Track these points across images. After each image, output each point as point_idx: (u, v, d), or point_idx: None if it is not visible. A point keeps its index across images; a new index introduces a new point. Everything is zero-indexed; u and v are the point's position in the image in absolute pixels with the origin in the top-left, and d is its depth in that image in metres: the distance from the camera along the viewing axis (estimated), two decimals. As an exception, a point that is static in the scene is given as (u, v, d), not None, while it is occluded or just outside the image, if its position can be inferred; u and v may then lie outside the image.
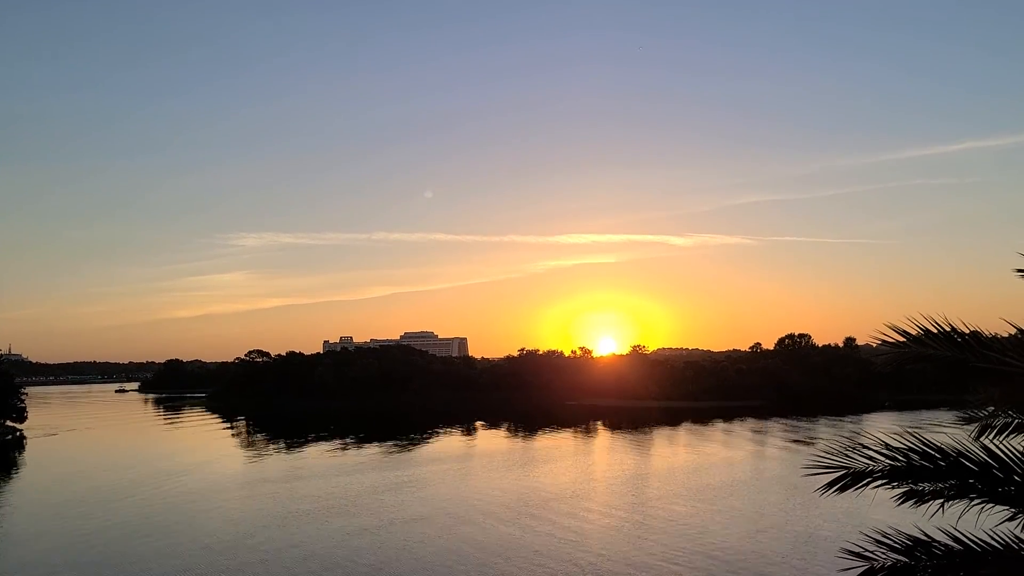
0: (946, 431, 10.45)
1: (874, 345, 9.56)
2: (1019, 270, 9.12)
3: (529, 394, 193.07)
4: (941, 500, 9.30)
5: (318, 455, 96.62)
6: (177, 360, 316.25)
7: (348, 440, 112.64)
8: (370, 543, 49.86)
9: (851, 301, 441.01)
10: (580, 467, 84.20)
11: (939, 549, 9.26)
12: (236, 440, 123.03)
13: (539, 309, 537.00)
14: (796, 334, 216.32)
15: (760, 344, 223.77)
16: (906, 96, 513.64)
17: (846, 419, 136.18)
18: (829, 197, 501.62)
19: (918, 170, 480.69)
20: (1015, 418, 10.04)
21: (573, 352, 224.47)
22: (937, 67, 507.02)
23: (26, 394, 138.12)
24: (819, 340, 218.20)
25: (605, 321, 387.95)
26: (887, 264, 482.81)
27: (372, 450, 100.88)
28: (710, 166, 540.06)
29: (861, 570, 9.49)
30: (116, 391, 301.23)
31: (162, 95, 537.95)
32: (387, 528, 54.08)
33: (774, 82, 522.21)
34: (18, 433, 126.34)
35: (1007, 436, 9.89)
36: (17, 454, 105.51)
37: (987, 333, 9.35)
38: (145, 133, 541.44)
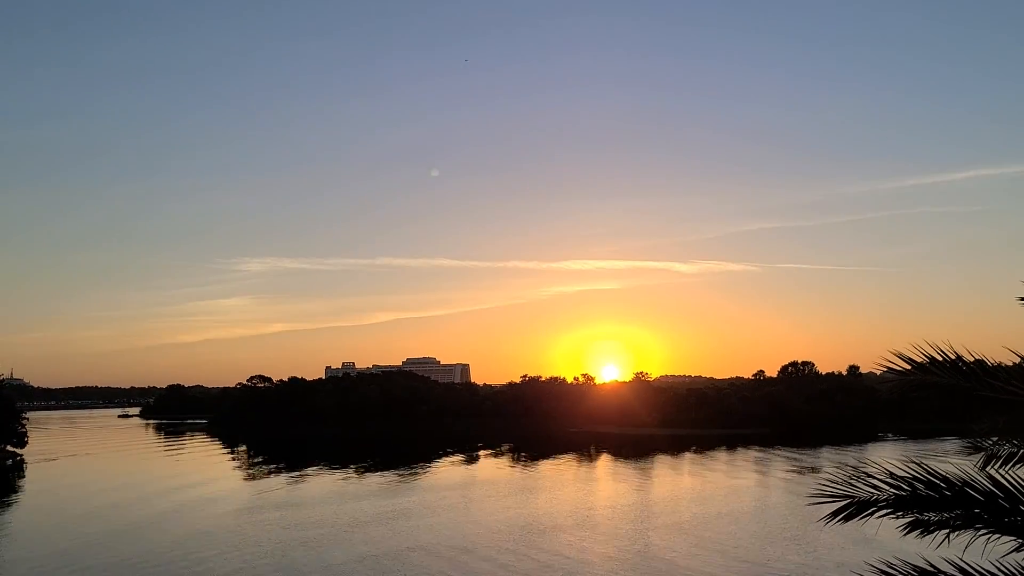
0: (951, 460, 10.38)
1: (878, 373, 9.50)
2: (1022, 298, 9.10)
3: (532, 421, 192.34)
4: (947, 530, 9.21)
5: (319, 482, 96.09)
6: (179, 385, 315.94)
7: (349, 467, 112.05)
8: (370, 572, 49.41)
9: (855, 328, 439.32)
10: (581, 497, 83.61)
11: (945, 580, 9.14)
12: (237, 468, 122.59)
13: (542, 336, 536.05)
14: (799, 362, 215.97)
15: (763, 372, 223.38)
16: (913, 123, 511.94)
17: (850, 448, 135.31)
18: (834, 224, 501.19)
19: (923, 198, 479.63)
20: (1021, 447, 9.97)
21: (576, 379, 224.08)
22: (945, 94, 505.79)
23: (27, 419, 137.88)
24: (823, 368, 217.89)
25: (608, 348, 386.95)
26: (891, 292, 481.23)
27: (373, 477, 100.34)
28: (716, 193, 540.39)
29: (866, 601, 9.37)
30: (119, 416, 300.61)
31: (164, 119, 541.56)
32: (386, 557, 53.62)
33: (781, 109, 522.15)
34: (18, 458, 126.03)
35: (1013, 466, 9.81)
36: (17, 478, 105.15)
37: (992, 361, 9.31)
38: (147, 157, 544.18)
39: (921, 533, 9.34)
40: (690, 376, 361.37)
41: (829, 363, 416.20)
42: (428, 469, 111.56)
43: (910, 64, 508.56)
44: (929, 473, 9.20)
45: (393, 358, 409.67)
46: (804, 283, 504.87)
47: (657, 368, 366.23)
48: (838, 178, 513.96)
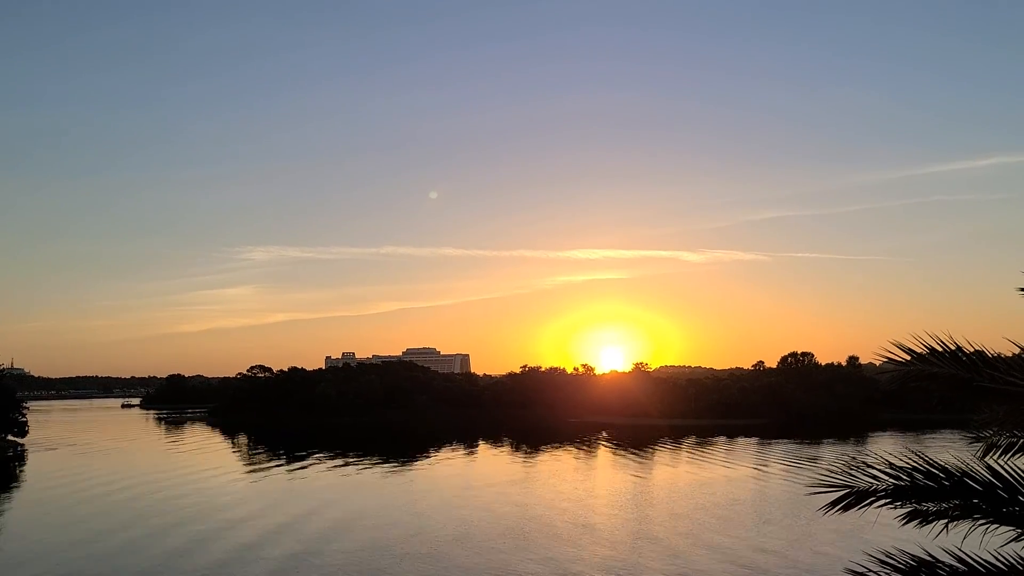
0: (951, 450, 10.41)
1: (877, 364, 9.49)
2: (1022, 289, 9.09)
3: (531, 411, 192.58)
4: (945, 520, 9.24)
5: (319, 472, 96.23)
6: (179, 375, 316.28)
7: (349, 457, 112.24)
8: (370, 562, 49.60)
9: (863, 319, 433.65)
10: (580, 485, 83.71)
11: (943, 570, 9.18)
12: (238, 458, 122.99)
13: (547, 325, 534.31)
14: (799, 352, 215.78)
15: (763, 362, 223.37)
16: (931, 109, 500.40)
17: (849, 438, 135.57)
18: (847, 213, 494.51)
19: (940, 185, 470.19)
20: (1020, 437, 9.98)
21: (575, 369, 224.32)
22: (964, 78, 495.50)
23: (27, 408, 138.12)
24: (823, 358, 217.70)
25: (613, 338, 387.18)
26: (904, 282, 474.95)
27: (373, 467, 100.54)
28: (727, 181, 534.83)
29: (865, 591, 9.40)
30: (122, 406, 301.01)
31: (167, 107, 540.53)
32: (386, 547, 53.80)
33: (794, 95, 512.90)
34: (19, 448, 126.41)
35: (1012, 456, 9.83)
36: (18, 468, 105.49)
37: (992, 352, 9.31)
38: (150, 147, 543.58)
39: (920, 523, 9.38)
40: (690, 366, 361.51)
41: (835, 353, 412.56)
42: (428, 459, 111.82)
43: (926, 48, 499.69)
44: (928, 463, 9.23)
45: (393, 348, 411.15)
46: (812, 273, 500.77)
47: (662, 358, 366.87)
48: (853, 166, 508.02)
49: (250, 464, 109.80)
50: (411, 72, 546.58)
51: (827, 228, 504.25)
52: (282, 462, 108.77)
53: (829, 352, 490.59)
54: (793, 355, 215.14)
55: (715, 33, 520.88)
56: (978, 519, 9.14)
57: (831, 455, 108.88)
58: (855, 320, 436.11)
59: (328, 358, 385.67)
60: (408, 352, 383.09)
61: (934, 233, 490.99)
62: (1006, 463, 9.42)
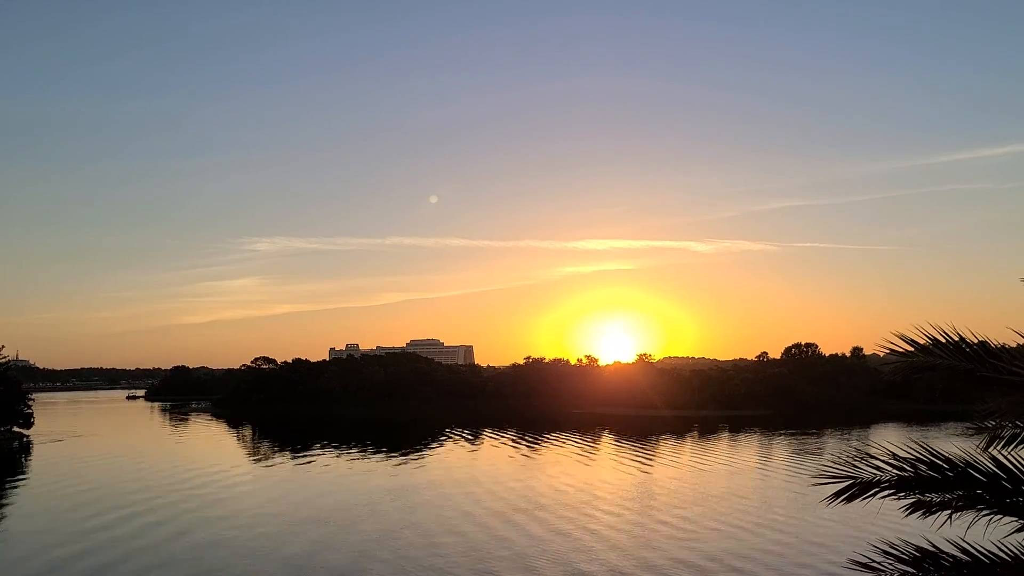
0: (954, 442, 10.43)
1: (881, 355, 9.50)
2: (1026, 279, 9.09)
3: (535, 402, 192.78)
4: (949, 511, 9.27)
5: (324, 463, 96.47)
6: (184, 367, 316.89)
7: (353, 448, 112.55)
8: (375, 551, 49.79)
9: (872, 309, 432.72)
10: (584, 475, 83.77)
11: (947, 560, 9.21)
12: (242, 449, 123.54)
13: (552, 317, 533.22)
14: (803, 343, 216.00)
15: (767, 353, 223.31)
16: (944, 97, 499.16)
17: (853, 429, 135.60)
18: (858, 202, 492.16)
19: (953, 174, 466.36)
20: (1023, 428, 9.99)
21: (579, 360, 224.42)
22: (978, 64, 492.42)
23: (33, 400, 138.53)
24: (828, 349, 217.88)
25: (618, 329, 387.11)
26: (912, 271, 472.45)
27: (376, 458, 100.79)
28: (738, 170, 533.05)
29: (868, 581, 9.44)
30: (127, 397, 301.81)
31: (171, 96, 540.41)
32: (392, 538, 54.01)
33: (806, 82, 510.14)
34: (25, 439, 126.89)
35: (1015, 447, 9.85)
36: (24, 459, 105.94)
37: (996, 342, 9.32)
38: (156, 135, 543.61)
39: (923, 514, 9.41)
40: (693, 358, 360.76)
41: (844, 344, 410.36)
42: (432, 450, 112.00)
43: (939, 34, 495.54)
44: (931, 454, 9.25)
45: (397, 339, 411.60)
46: (821, 263, 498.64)
47: (669, 349, 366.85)
48: (865, 154, 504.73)
49: (254, 455, 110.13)
50: (415, 60, 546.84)
51: (838, 218, 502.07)
52: (286, 452, 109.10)
53: (839, 343, 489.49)
54: (797, 346, 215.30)
55: (726, 19, 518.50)
56: (981, 510, 9.17)
57: (835, 446, 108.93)
58: (865, 311, 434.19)
59: (332, 349, 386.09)
60: (412, 343, 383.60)
61: (946, 222, 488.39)
62: (1009, 454, 9.44)
